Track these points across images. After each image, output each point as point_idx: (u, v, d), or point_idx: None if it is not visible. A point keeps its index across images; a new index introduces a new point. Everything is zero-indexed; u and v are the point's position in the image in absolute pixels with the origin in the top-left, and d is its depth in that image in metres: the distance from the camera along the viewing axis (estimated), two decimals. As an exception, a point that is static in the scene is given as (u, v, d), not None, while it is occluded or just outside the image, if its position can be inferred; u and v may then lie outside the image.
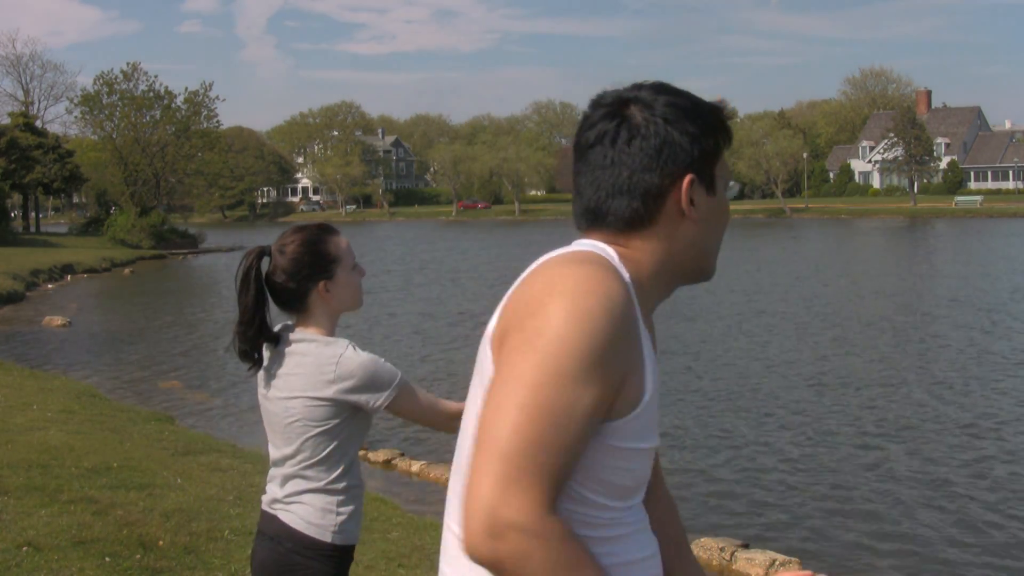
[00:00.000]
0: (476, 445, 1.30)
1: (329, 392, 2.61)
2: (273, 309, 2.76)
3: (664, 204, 1.50)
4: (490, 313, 1.48)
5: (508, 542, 1.24)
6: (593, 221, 1.53)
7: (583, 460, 1.36)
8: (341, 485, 2.68)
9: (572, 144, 1.59)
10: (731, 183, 1.62)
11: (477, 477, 1.27)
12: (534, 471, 1.26)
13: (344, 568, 2.73)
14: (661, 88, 1.55)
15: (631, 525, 1.48)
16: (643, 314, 1.48)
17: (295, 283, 2.70)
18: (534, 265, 1.46)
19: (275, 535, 2.70)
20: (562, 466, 1.29)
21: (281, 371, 2.67)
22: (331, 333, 2.75)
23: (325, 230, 2.79)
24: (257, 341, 2.70)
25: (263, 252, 2.75)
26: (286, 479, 2.69)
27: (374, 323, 20.84)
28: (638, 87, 1.55)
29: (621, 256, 1.50)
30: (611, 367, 1.34)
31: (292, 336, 2.69)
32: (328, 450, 2.65)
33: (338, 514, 2.68)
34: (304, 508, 2.67)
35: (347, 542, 2.71)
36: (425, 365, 15.84)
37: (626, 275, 1.46)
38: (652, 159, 1.49)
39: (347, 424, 2.66)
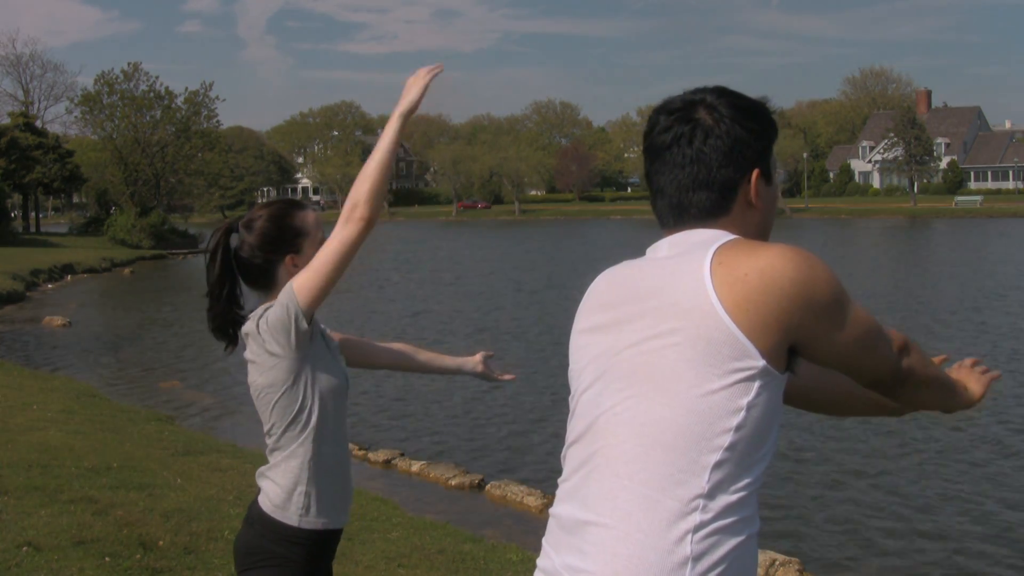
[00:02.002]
0: (873, 372, 1.71)
1: (270, 343, 2.53)
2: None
3: (736, 195, 1.70)
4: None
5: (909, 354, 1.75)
6: (679, 216, 1.72)
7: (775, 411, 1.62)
8: (308, 453, 2.57)
9: (644, 147, 1.77)
10: (779, 170, 1.82)
11: (891, 368, 1.71)
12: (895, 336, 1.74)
13: (316, 557, 2.59)
14: (722, 92, 1.75)
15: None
16: None
17: (262, 258, 2.66)
18: (717, 260, 1.59)
19: (250, 516, 2.64)
20: None
21: (248, 350, 2.64)
22: None
23: (293, 204, 2.76)
24: (226, 317, 2.66)
25: (231, 228, 2.72)
26: (269, 452, 2.65)
27: (351, 321, 20.82)
28: (701, 91, 1.75)
29: None
30: None
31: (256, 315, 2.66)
32: (293, 414, 2.57)
33: (305, 494, 2.56)
34: (272, 486, 2.59)
35: (317, 527, 2.58)
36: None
37: None
38: (726, 156, 1.68)
39: (302, 384, 2.57)
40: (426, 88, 2.59)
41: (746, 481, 1.57)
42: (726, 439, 1.54)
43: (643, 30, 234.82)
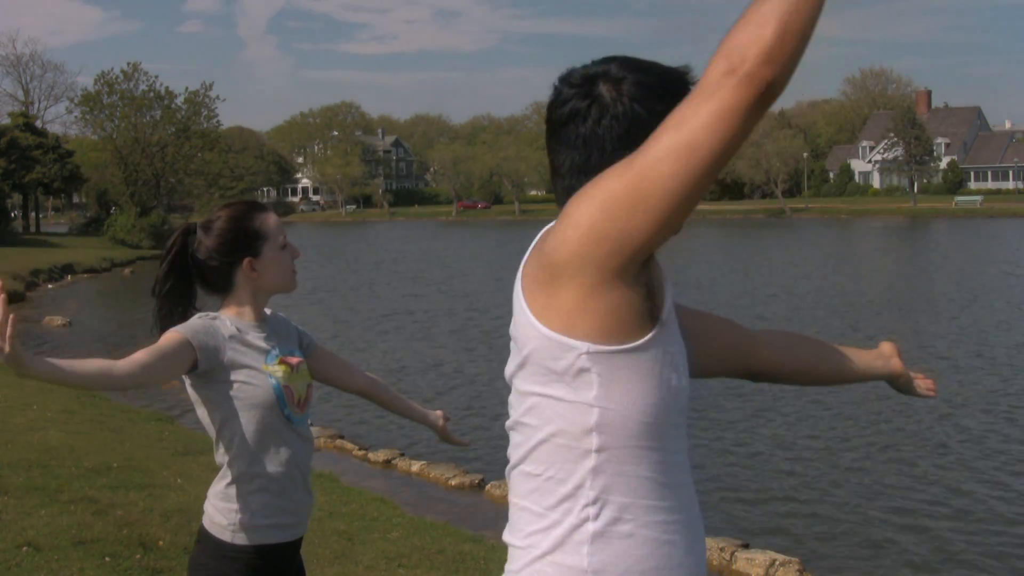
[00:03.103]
0: (741, 128, 1.30)
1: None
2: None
3: None
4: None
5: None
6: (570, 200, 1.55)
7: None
8: (235, 470, 2.54)
9: (545, 120, 1.61)
10: None
11: (744, 97, 1.29)
12: None
13: (259, 570, 2.54)
14: (629, 64, 1.55)
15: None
16: None
17: (219, 259, 2.59)
18: (524, 272, 1.55)
19: (198, 533, 2.64)
20: None
21: None
22: (257, 315, 2.64)
23: (253, 207, 2.69)
24: (170, 319, 2.60)
25: (189, 229, 2.66)
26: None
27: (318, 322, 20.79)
28: (607, 61, 1.56)
29: None
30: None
31: None
32: (216, 430, 2.56)
33: (237, 511, 2.53)
34: (210, 503, 2.59)
35: (253, 543, 2.54)
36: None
37: None
38: (621, 139, 1.50)
39: (216, 407, 2.54)
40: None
41: (642, 477, 1.49)
42: (592, 442, 1.47)
43: (643, 30, 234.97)
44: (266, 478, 2.55)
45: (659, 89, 1.52)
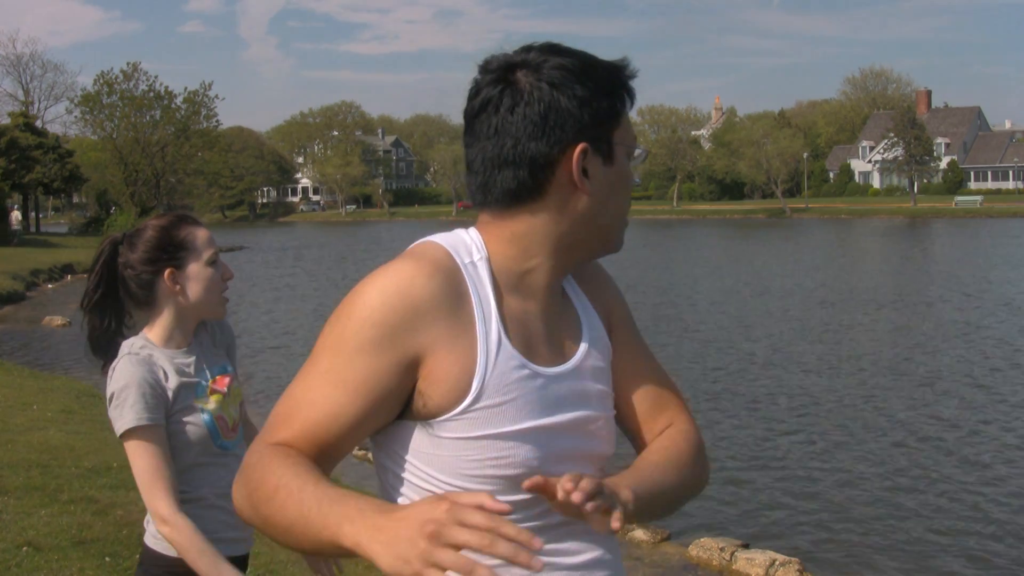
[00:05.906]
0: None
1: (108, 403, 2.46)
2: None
3: (554, 175, 1.42)
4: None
5: None
6: (485, 197, 1.47)
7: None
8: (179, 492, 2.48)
9: (463, 115, 1.50)
10: (637, 150, 1.51)
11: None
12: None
13: None
14: (551, 49, 1.44)
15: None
16: (540, 291, 1.47)
17: (141, 269, 2.49)
18: None
19: (140, 556, 2.60)
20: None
21: None
22: (185, 337, 2.54)
23: (183, 218, 2.59)
24: (101, 335, 2.54)
25: (117, 241, 2.57)
26: None
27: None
28: (527, 49, 1.45)
29: (499, 237, 1.47)
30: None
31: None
32: None
33: None
34: (151, 522, 2.54)
35: None
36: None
37: (463, 259, 1.46)
38: (537, 127, 1.40)
39: None
40: None
41: None
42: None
43: (643, 30, 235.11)
44: (209, 498, 2.52)
45: (582, 73, 1.42)
